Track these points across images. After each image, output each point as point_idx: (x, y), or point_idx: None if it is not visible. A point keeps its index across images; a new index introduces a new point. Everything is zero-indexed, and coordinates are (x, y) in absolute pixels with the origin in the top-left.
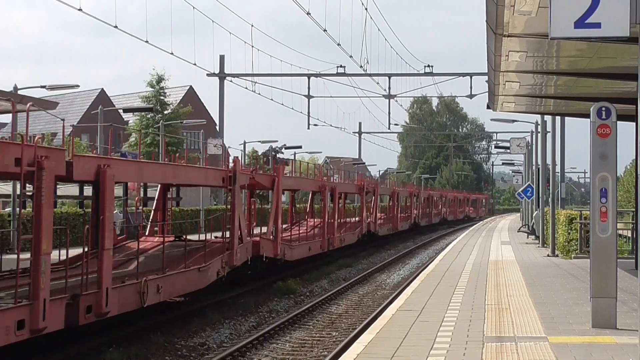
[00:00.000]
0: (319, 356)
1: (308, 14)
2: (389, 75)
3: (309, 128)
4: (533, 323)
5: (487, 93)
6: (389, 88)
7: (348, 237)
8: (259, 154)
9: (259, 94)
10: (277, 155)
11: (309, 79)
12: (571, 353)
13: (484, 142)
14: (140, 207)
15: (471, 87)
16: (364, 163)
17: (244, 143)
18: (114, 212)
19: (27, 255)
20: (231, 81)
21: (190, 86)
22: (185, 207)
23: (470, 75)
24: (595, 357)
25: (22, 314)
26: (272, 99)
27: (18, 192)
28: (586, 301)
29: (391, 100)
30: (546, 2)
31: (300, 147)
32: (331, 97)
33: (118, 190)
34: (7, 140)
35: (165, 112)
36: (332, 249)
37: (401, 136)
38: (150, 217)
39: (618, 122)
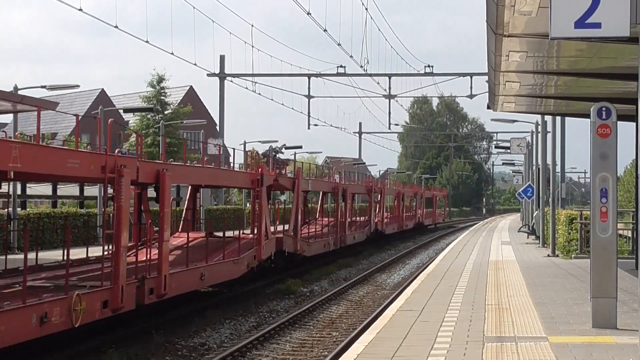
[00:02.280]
0: (319, 356)
1: (308, 14)
2: (389, 75)
3: (309, 128)
4: (533, 323)
5: (487, 93)
6: (389, 88)
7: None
8: (259, 154)
9: (259, 94)
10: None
11: (309, 79)
12: (571, 353)
13: (484, 142)
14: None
15: (471, 87)
16: (364, 163)
17: (244, 143)
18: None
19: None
20: (231, 81)
21: (191, 86)
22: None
23: (471, 75)
24: (595, 357)
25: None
26: (272, 99)
27: (19, 192)
28: (586, 301)
29: (391, 100)
30: (546, 2)
31: (300, 147)
32: (331, 97)
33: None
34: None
35: (166, 112)
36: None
37: (401, 136)
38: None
39: (618, 122)
